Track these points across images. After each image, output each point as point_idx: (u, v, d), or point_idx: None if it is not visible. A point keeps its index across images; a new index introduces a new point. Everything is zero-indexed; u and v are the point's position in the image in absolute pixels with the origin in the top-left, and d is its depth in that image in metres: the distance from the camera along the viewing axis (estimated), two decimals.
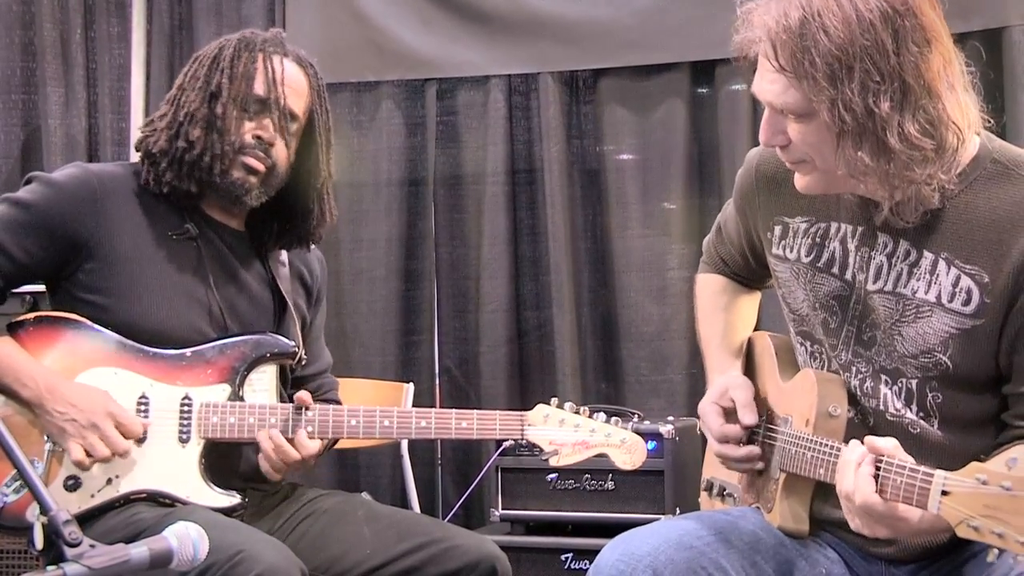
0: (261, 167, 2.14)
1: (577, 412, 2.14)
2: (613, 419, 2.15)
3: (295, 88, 2.16)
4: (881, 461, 1.53)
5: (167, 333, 2.10)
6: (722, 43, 3.57)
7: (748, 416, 1.84)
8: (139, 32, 3.93)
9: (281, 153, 2.16)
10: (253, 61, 2.14)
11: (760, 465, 1.84)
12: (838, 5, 1.55)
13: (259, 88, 2.13)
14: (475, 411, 2.13)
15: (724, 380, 1.91)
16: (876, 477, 1.52)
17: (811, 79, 1.55)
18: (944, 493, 1.41)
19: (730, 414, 1.87)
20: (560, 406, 2.14)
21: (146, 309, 2.10)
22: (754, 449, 1.84)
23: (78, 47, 3.93)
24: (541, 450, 2.13)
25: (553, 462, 2.13)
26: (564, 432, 2.12)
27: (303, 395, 2.11)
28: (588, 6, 3.62)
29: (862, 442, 1.58)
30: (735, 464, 1.87)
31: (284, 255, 2.30)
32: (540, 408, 2.14)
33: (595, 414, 2.15)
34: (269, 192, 2.18)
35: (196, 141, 2.11)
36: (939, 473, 1.44)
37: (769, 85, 1.61)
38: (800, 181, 1.71)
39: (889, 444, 1.55)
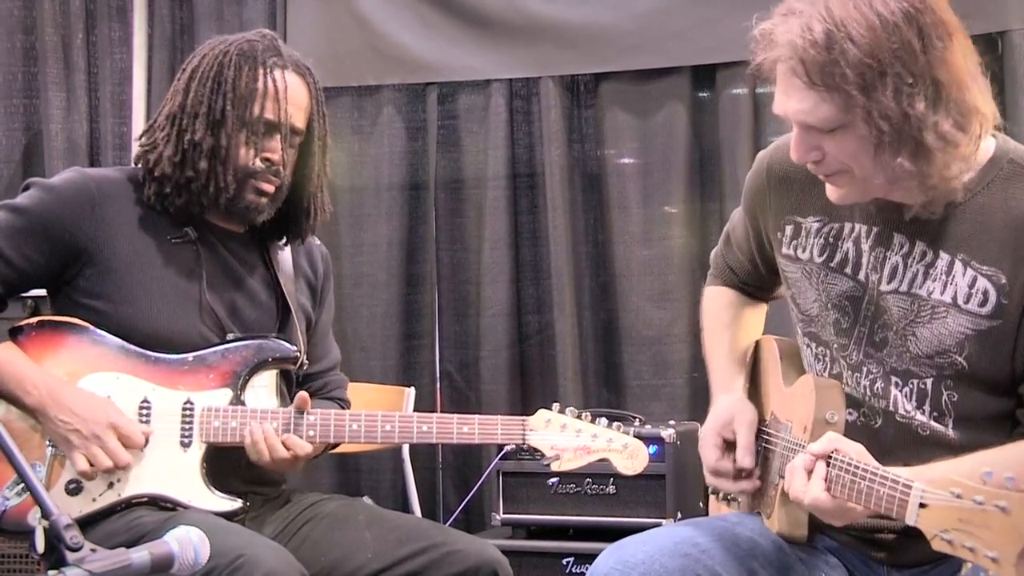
0: (271, 189, 2.15)
1: (579, 417, 2.13)
2: (615, 424, 2.14)
3: (298, 102, 2.16)
4: (831, 458, 1.57)
5: (168, 337, 2.10)
6: (723, 47, 3.61)
7: (747, 460, 1.83)
8: (140, 36, 3.93)
9: (287, 169, 2.17)
10: (255, 80, 2.12)
11: (757, 484, 1.84)
12: (859, 12, 1.53)
13: (268, 112, 2.12)
14: (476, 416, 2.13)
15: (730, 408, 1.89)
16: (827, 478, 1.57)
17: (843, 92, 1.53)
18: (922, 506, 1.42)
19: (730, 445, 1.86)
20: (562, 411, 2.14)
21: (146, 314, 2.10)
22: (745, 486, 1.85)
23: (79, 51, 3.94)
24: (543, 455, 2.12)
25: (555, 467, 2.12)
26: (566, 437, 2.11)
27: (302, 396, 2.11)
28: (589, 10, 3.63)
29: (866, 446, 1.60)
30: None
31: (288, 256, 2.31)
32: (542, 413, 2.13)
33: (597, 419, 2.14)
34: (277, 206, 2.19)
35: (202, 172, 2.11)
36: (916, 485, 1.44)
37: (799, 103, 1.58)
38: (835, 193, 1.68)
39: (851, 447, 1.59)
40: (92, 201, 2.11)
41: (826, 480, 1.58)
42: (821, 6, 1.56)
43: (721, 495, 2.03)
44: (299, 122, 2.16)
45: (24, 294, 2.27)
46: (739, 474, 1.85)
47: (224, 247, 2.20)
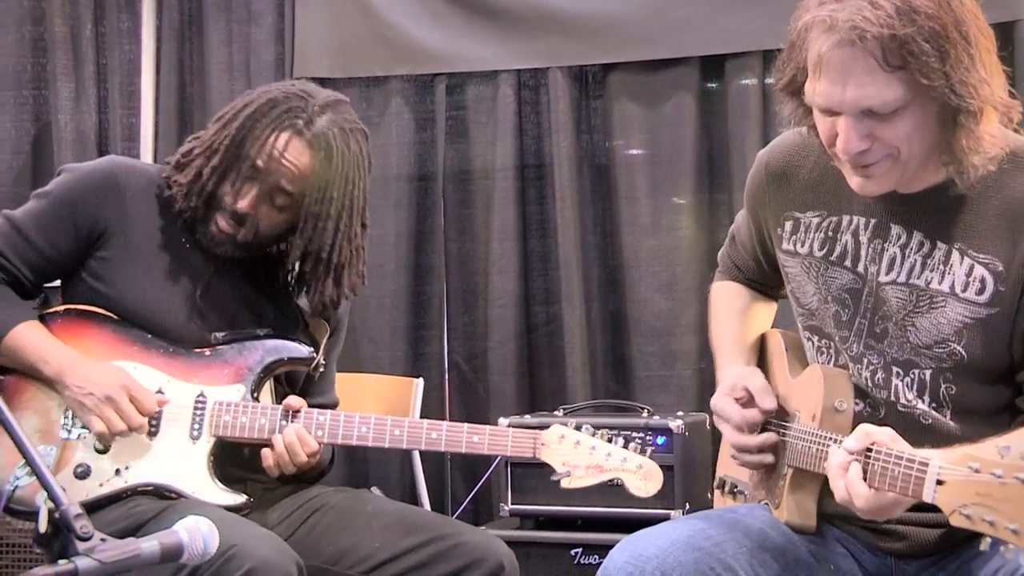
0: (229, 231, 2.13)
1: (594, 434, 2.10)
2: (631, 444, 2.10)
3: (294, 164, 2.10)
4: (870, 451, 1.53)
5: (167, 330, 2.13)
6: (732, 37, 3.60)
7: (767, 400, 1.80)
8: (149, 28, 3.93)
9: (263, 222, 2.13)
10: (262, 131, 2.10)
11: (770, 459, 1.83)
12: None
13: (256, 159, 2.10)
14: (487, 427, 2.11)
15: (734, 373, 1.89)
16: (865, 469, 1.52)
17: (923, 66, 1.51)
18: (939, 482, 1.42)
19: (746, 405, 1.84)
20: (578, 427, 2.11)
21: (147, 304, 2.13)
22: (770, 436, 1.81)
23: (88, 43, 3.94)
24: (553, 470, 2.09)
25: (564, 484, 2.09)
26: (579, 454, 2.08)
27: (292, 400, 2.11)
28: (597, 0, 3.62)
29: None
30: (749, 458, 1.84)
31: None
32: (555, 428, 2.10)
33: (614, 438, 2.11)
34: (249, 251, 2.17)
35: (183, 185, 2.13)
36: (933, 462, 1.44)
37: (863, 88, 1.54)
38: (868, 183, 1.64)
39: (884, 435, 1.55)
40: (118, 188, 2.14)
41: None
42: None
43: (727, 489, 2.02)
44: (287, 184, 2.11)
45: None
46: (760, 447, 1.81)
47: (236, 262, 2.20)
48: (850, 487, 1.53)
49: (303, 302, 2.28)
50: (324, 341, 2.25)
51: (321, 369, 2.24)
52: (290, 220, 2.15)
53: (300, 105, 2.12)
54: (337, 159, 2.11)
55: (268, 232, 2.16)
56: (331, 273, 2.18)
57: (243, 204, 2.11)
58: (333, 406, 2.36)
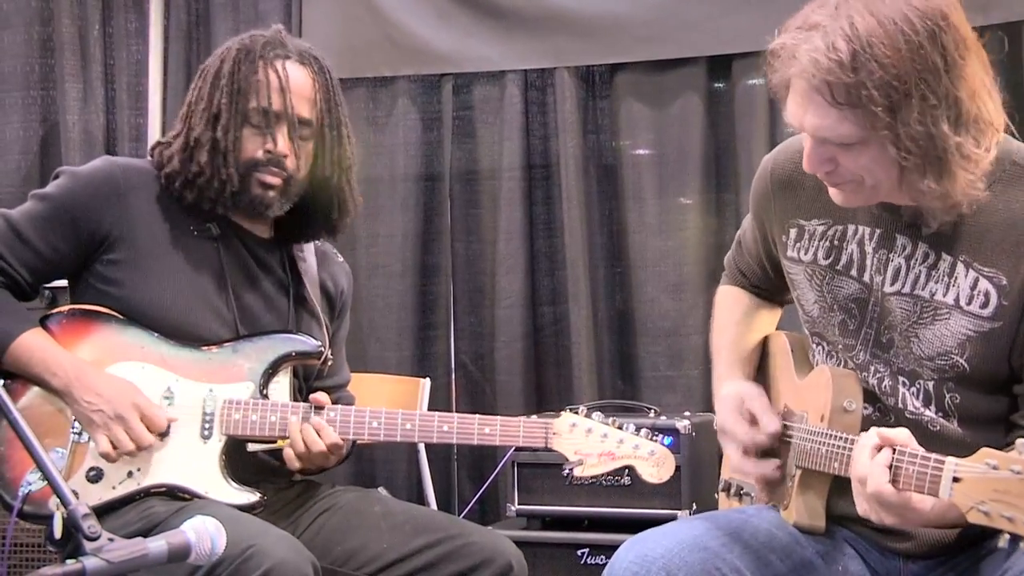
0: (277, 181, 2.13)
1: (605, 422, 2.09)
2: (643, 430, 2.09)
3: (301, 92, 2.13)
4: (895, 450, 1.52)
5: (179, 329, 2.11)
6: (739, 37, 3.60)
7: (771, 423, 1.81)
8: (156, 28, 3.94)
9: (297, 161, 2.14)
10: (254, 72, 2.12)
11: (777, 474, 1.83)
12: (884, 30, 1.51)
13: (264, 102, 2.11)
14: (498, 418, 2.10)
15: (736, 390, 1.88)
16: (890, 466, 1.51)
17: (868, 111, 1.51)
18: (955, 480, 1.41)
19: (751, 424, 1.84)
20: (588, 414, 2.11)
21: (159, 304, 2.11)
22: (770, 463, 1.82)
23: (96, 43, 3.95)
24: (566, 459, 2.08)
25: (577, 472, 2.08)
26: (590, 442, 2.07)
27: (319, 396, 2.12)
28: (604, 0, 3.62)
29: None
30: (748, 479, 1.86)
31: (312, 266, 2.30)
32: (566, 417, 2.10)
33: (625, 425, 2.10)
34: (292, 199, 2.18)
35: (205, 166, 2.11)
36: (950, 460, 1.44)
37: (819, 120, 1.56)
38: (840, 196, 1.67)
39: (902, 434, 1.54)
40: (118, 190, 2.13)
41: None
42: (844, 21, 1.52)
43: (732, 492, 2.02)
44: (305, 111, 2.14)
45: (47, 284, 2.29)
46: (759, 478, 1.83)
47: (245, 247, 2.21)
48: (873, 470, 1.52)
49: (311, 276, 2.27)
50: (328, 330, 2.25)
51: (330, 361, 2.24)
52: (314, 149, 2.17)
53: (270, 39, 2.16)
54: (326, 67, 2.18)
55: (303, 170, 2.16)
56: (350, 182, 2.21)
57: (275, 146, 2.11)
58: (346, 384, 2.36)
